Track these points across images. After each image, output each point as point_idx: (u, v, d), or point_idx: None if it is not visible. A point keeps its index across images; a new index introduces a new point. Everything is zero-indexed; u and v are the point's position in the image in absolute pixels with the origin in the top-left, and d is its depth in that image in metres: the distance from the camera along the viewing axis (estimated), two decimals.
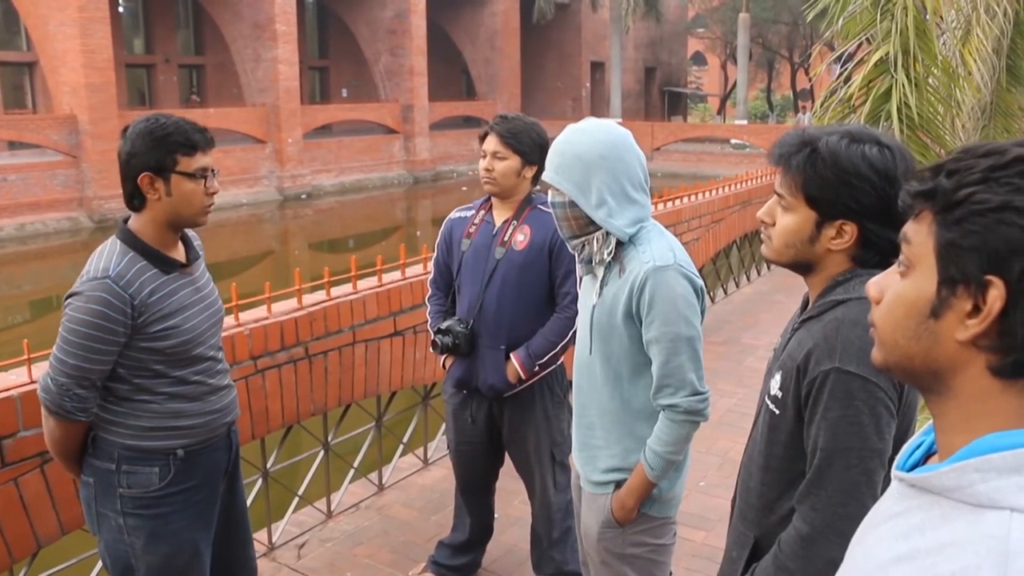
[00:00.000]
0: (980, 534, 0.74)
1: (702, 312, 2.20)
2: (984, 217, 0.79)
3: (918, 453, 0.91)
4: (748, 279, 9.16)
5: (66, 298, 2.17)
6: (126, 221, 2.27)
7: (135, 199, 2.22)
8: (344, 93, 35.40)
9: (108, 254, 2.20)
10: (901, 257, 0.88)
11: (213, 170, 2.28)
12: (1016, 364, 0.79)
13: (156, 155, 2.17)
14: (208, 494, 2.41)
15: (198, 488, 2.36)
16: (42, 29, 22.15)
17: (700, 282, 2.19)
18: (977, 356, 0.81)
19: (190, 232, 2.40)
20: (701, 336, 2.17)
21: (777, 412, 1.61)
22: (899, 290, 0.88)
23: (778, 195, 1.63)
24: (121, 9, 29.26)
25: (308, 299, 3.72)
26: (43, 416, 2.24)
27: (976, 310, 0.80)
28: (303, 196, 27.32)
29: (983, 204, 0.79)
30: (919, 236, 0.85)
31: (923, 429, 0.93)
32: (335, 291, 3.83)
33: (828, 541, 1.49)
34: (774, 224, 1.65)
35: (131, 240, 2.22)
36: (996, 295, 0.78)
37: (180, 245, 2.34)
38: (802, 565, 1.52)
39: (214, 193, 2.28)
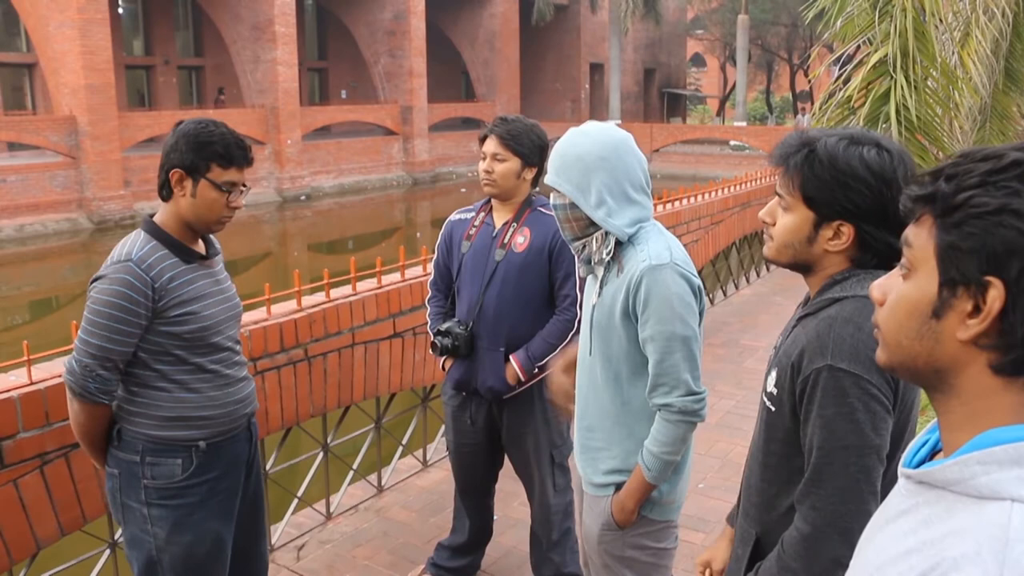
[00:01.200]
0: (981, 523, 0.76)
1: (700, 312, 2.19)
2: (983, 220, 0.81)
3: (924, 451, 0.93)
4: (747, 281, 9.16)
5: (91, 282, 2.26)
6: (151, 216, 2.38)
7: (164, 189, 2.34)
8: (343, 94, 35.41)
9: (132, 242, 2.31)
10: (903, 260, 0.91)
11: (244, 187, 2.38)
12: (1016, 362, 0.82)
13: (192, 157, 2.28)
14: (230, 485, 2.47)
15: (220, 479, 2.42)
16: (42, 30, 22.14)
17: (698, 281, 2.19)
18: (978, 355, 0.83)
19: (211, 236, 2.50)
20: (698, 336, 2.16)
21: (773, 409, 1.62)
22: (902, 292, 0.90)
23: (778, 195, 1.65)
24: (120, 11, 29.26)
25: (307, 301, 3.72)
26: (68, 399, 2.32)
27: (977, 310, 0.82)
28: (302, 197, 27.32)
29: (981, 207, 0.81)
30: (920, 239, 0.88)
31: (928, 427, 0.94)
32: (334, 293, 3.83)
33: (830, 540, 1.50)
34: (775, 224, 1.66)
35: (154, 230, 2.33)
36: (995, 295, 0.80)
37: (200, 241, 2.44)
38: (805, 565, 1.53)
39: (236, 208, 2.38)
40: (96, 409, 2.29)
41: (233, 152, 2.31)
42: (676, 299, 2.10)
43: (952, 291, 0.84)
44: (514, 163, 3.01)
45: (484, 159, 3.05)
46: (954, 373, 0.86)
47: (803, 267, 1.66)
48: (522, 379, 3.04)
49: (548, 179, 2.26)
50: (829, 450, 1.50)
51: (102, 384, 2.24)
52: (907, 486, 0.89)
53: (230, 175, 2.32)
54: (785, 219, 1.63)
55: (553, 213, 3.01)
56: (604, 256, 2.19)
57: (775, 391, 1.61)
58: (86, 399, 2.25)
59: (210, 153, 2.28)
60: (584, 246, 2.24)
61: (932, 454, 0.93)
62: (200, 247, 2.42)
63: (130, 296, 2.20)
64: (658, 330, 2.10)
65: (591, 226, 2.21)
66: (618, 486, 2.26)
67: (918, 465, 0.91)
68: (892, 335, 0.91)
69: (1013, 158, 0.82)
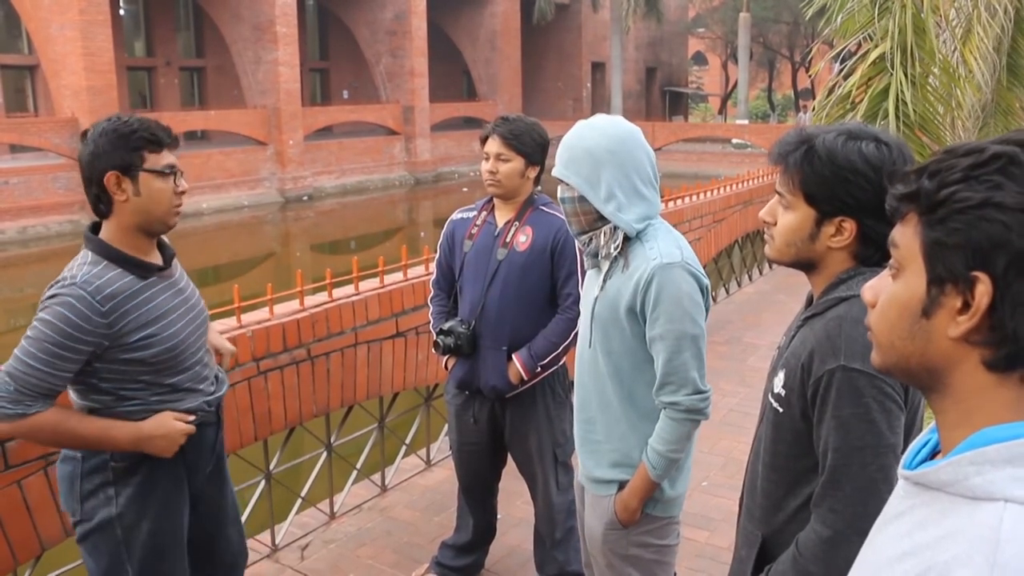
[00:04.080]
0: (974, 524, 0.76)
1: (706, 310, 2.20)
2: (966, 214, 0.81)
3: (924, 451, 0.92)
4: (750, 279, 9.16)
5: (42, 300, 2.08)
6: (93, 231, 2.18)
7: (101, 203, 2.14)
8: (345, 95, 35.42)
9: (79, 263, 2.11)
10: (891, 260, 0.90)
11: (180, 170, 2.21)
12: (1008, 357, 0.81)
13: (122, 153, 2.09)
14: (196, 462, 2.35)
15: (188, 459, 2.31)
16: (43, 32, 22.19)
17: (706, 281, 2.20)
18: (971, 352, 0.83)
19: (164, 239, 2.32)
20: (705, 335, 2.18)
21: (781, 410, 1.61)
22: (891, 292, 0.90)
23: (778, 194, 1.64)
24: (122, 12, 29.29)
25: (310, 300, 3.72)
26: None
27: (966, 306, 0.81)
28: (304, 198, 27.34)
29: (965, 202, 0.81)
30: (906, 238, 0.87)
31: (929, 428, 0.94)
32: (337, 292, 3.83)
33: (850, 542, 1.47)
34: (776, 223, 1.65)
35: (101, 248, 2.13)
36: (983, 290, 0.80)
37: (155, 250, 2.25)
38: (824, 568, 1.51)
39: (183, 192, 2.21)
40: (23, 425, 2.05)
41: (159, 134, 2.14)
42: (686, 298, 2.11)
43: (940, 288, 0.83)
44: (517, 162, 3.01)
45: (487, 159, 3.04)
46: (947, 372, 0.85)
47: (806, 265, 1.65)
48: (525, 378, 3.04)
49: (556, 172, 2.24)
50: (846, 451, 1.49)
51: (14, 397, 2.02)
52: (905, 487, 0.89)
53: (166, 158, 2.15)
54: (786, 217, 1.62)
55: (554, 212, 3.03)
56: (612, 251, 2.19)
57: (783, 392, 1.60)
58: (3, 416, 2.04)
59: (137, 142, 2.10)
60: (591, 239, 2.24)
61: (933, 455, 0.92)
62: (156, 257, 2.23)
63: (73, 322, 2.00)
64: (668, 329, 2.11)
65: (599, 220, 2.20)
66: (621, 485, 2.26)
67: (918, 466, 0.90)
68: (884, 336, 0.91)
69: (994, 151, 0.81)
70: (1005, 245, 0.78)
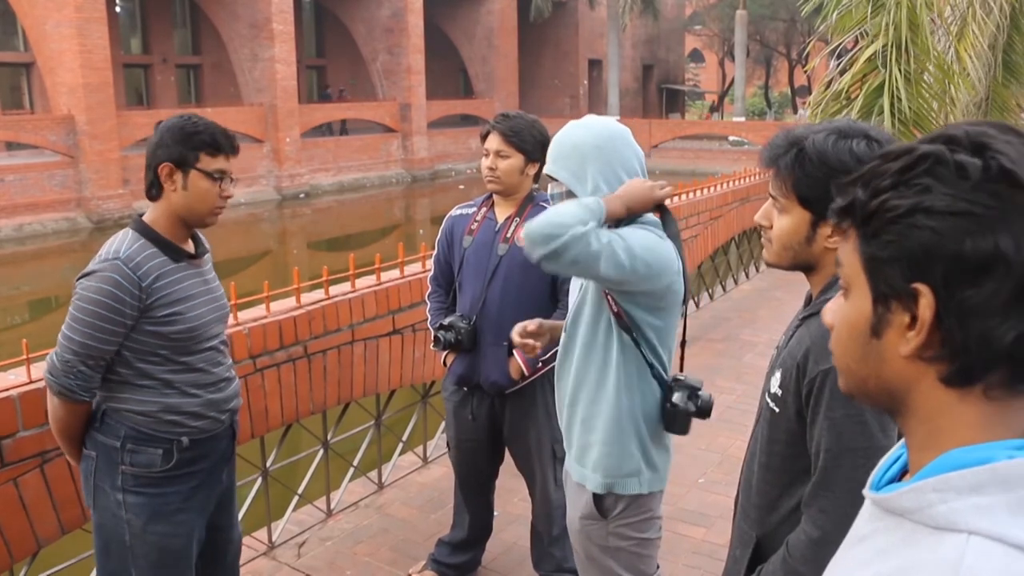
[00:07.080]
0: (935, 558, 0.71)
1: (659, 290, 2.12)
2: (897, 224, 0.75)
3: (894, 469, 0.88)
4: (747, 276, 9.16)
5: (78, 279, 2.24)
6: (141, 216, 2.37)
7: (153, 188, 2.32)
8: (340, 92, 35.37)
9: (120, 240, 2.30)
10: (840, 280, 0.85)
11: (232, 177, 2.38)
12: (963, 371, 0.75)
13: (180, 149, 2.28)
14: (207, 479, 2.45)
15: (200, 474, 2.41)
16: (39, 29, 22.11)
17: (665, 250, 2.10)
18: (926, 369, 0.77)
19: (200, 235, 2.49)
20: (629, 246, 2.03)
21: (777, 410, 1.61)
22: (842, 314, 0.85)
23: (772, 198, 1.63)
24: (118, 9, 29.23)
25: (307, 298, 3.72)
26: (48, 396, 2.31)
27: (914, 322, 0.76)
28: (301, 195, 27.30)
29: (894, 211, 0.75)
30: (847, 256, 0.82)
31: (900, 443, 0.89)
32: (334, 290, 3.83)
33: (839, 544, 1.48)
34: (772, 227, 1.64)
35: (143, 229, 2.31)
36: (926, 303, 0.74)
37: (190, 241, 2.42)
38: (813, 568, 1.50)
39: (228, 197, 2.37)
40: (76, 407, 2.28)
41: (220, 140, 2.32)
42: (639, 239, 2.06)
43: (886, 306, 0.78)
44: (517, 159, 3.01)
45: (487, 156, 3.05)
46: (906, 392, 0.80)
47: (805, 267, 1.64)
48: (525, 373, 3.04)
49: (546, 169, 2.28)
50: (837, 452, 1.48)
51: (83, 381, 2.22)
52: (870, 509, 0.84)
53: (219, 163, 2.32)
54: (782, 221, 1.62)
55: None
56: None
57: (779, 392, 1.59)
58: (65, 396, 2.24)
59: (197, 143, 2.28)
60: None
61: (902, 473, 0.87)
62: (189, 246, 2.40)
63: (116, 295, 2.18)
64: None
65: None
66: (597, 496, 2.25)
67: (886, 485, 0.85)
68: (841, 360, 0.86)
69: (921, 152, 0.76)
70: (939, 252, 0.73)
